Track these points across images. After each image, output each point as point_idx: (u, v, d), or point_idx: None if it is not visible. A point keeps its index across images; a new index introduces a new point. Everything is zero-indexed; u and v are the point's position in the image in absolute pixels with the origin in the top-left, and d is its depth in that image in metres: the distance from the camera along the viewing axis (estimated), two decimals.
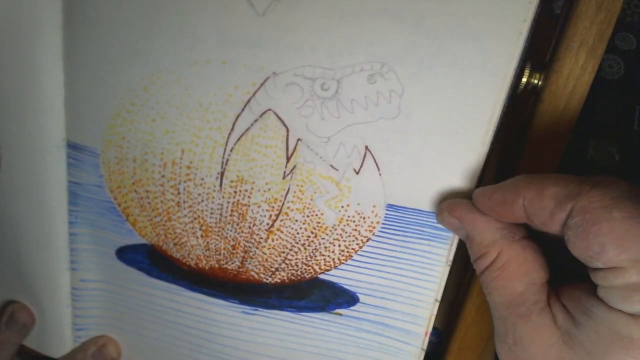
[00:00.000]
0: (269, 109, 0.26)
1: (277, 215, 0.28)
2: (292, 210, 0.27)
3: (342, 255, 0.28)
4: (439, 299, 0.28)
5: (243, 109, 0.26)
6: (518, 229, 0.23)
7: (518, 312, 0.22)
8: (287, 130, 0.26)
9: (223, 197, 0.28)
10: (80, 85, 0.27)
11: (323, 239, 0.28)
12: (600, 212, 0.19)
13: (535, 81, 0.25)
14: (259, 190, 0.27)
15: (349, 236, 0.27)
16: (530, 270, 0.23)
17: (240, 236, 0.29)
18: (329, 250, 0.28)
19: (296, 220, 0.28)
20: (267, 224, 0.28)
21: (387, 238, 0.27)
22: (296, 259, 0.29)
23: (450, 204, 0.25)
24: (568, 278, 0.22)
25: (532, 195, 0.21)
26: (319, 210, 0.27)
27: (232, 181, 0.27)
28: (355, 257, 0.28)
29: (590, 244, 0.19)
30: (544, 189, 0.21)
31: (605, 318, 0.20)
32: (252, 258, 0.29)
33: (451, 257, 0.27)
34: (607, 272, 0.19)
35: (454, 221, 0.25)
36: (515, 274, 0.23)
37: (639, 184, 0.20)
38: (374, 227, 0.27)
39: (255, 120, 0.26)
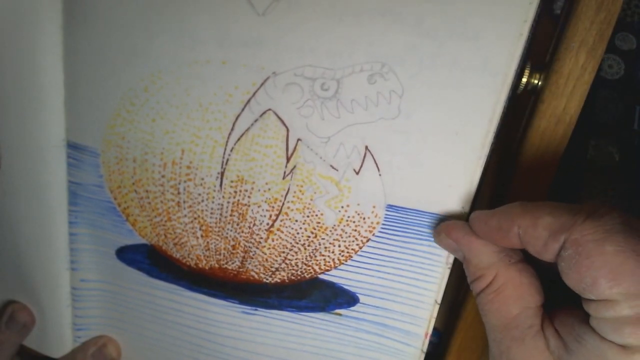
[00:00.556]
0: (269, 109, 0.26)
1: (277, 215, 0.28)
2: (292, 210, 0.27)
3: (342, 256, 0.28)
4: (439, 300, 0.28)
5: (243, 109, 0.26)
6: (514, 253, 0.24)
7: (512, 335, 0.23)
8: (287, 130, 0.26)
9: (223, 197, 0.28)
10: (80, 85, 0.27)
11: (323, 239, 0.28)
12: (593, 245, 0.19)
13: (535, 81, 0.25)
14: (259, 190, 0.27)
15: (349, 236, 0.27)
16: (525, 294, 0.23)
17: (240, 236, 0.29)
18: (329, 251, 0.28)
19: (296, 220, 0.27)
20: (267, 224, 0.28)
21: (387, 239, 0.27)
22: (296, 259, 0.29)
23: (447, 226, 0.25)
24: (563, 301, 0.22)
25: (526, 224, 0.21)
26: (319, 211, 0.27)
27: (232, 181, 0.27)
28: (355, 257, 0.28)
29: (583, 277, 0.20)
30: (538, 219, 0.21)
31: (596, 347, 0.20)
32: (252, 258, 0.29)
33: (451, 259, 0.27)
34: (599, 304, 0.19)
35: (451, 243, 0.25)
36: (510, 297, 0.23)
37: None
38: (373, 228, 0.27)
39: (255, 120, 0.26)
